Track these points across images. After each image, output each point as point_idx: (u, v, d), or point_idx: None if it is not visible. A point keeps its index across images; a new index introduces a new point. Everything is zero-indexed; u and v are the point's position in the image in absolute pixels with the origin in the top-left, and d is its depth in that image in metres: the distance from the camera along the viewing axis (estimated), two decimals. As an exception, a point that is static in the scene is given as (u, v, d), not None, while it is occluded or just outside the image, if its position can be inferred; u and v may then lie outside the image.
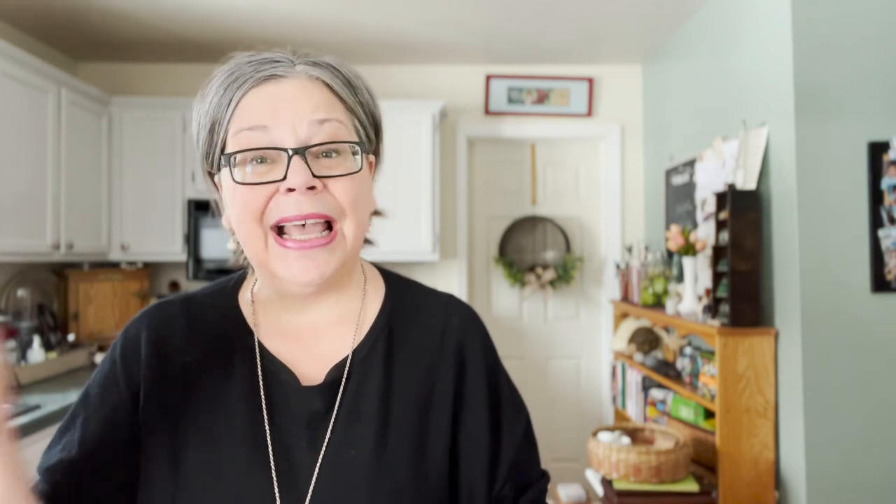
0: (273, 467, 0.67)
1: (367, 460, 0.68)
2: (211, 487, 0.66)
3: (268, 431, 0.68)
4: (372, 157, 0.76)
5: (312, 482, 0.66)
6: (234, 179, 0.66)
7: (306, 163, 0.64)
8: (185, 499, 0.66)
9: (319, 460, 0.67)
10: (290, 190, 0.64)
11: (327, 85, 0.69)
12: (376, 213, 0.80)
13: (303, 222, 0.65)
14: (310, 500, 0.66)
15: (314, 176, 0.64)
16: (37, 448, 2.08)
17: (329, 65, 0.70)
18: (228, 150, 0.67)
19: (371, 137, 0.74)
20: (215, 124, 0.68)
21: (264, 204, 0.65)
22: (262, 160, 0.65)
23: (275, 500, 0.65)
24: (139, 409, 0.70)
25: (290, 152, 0.64)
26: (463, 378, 0.75)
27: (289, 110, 0.65)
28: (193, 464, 0.67)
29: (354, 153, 0.68)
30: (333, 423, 0.69)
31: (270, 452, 0.67)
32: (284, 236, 0.66)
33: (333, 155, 0.67)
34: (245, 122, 0.66)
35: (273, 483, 0.66)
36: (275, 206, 0.65)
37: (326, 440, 0.68)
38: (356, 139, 0.70)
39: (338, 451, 0.68)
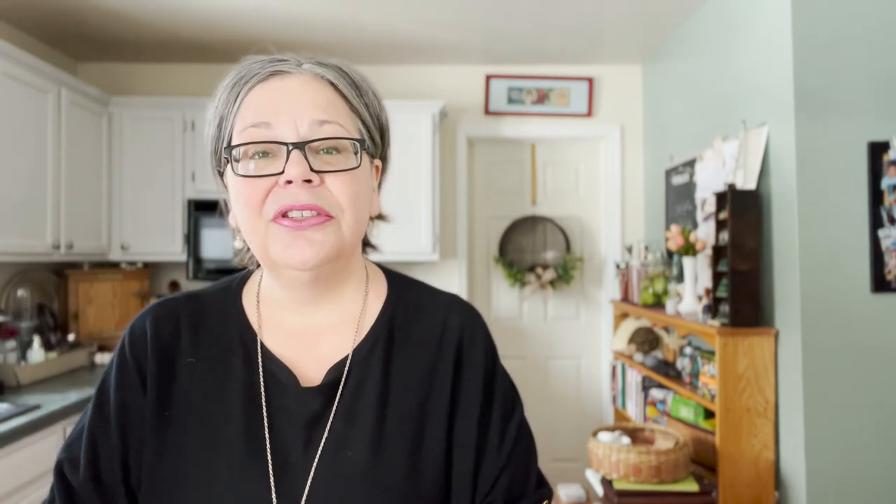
0: (270, 468, 0.67)
1: (362, 461, 0.68)
2: (207, 487, 0.66)
3: (266, 432, 0.68)
4: (378, 162, 0.77)
5: (308, 483, 0.67)
6: (235, 173, 0.67)
7: (305, 157, 0.65)
8: (181, 497, 0.67)
9: (316, 461, 0.68)
10: (289, 182, 0.65)
11: (332, 84, 0.70)
12: (381, 217, 0.80)
13: (300, 213, 0.65)
14: (305, 501, 0.66)
15: (312, 170, 0.65)
16: (37, 448, 2.08)
17: (335, 66, 0.71)
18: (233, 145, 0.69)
19: (376, 140, 0.74)
20: (222, 121, 0.70)
21: (264, 196, 0.66)
22: (264, 154, 0.67)
23: (271, 501, 0.66)
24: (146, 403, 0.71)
25: (290, 146, 0.65)
26: (460, 379, 0.74)
27: (291, 107, 0.67)
28: (191, 462, 0.68)
29: (355, 151, 0.69)
30: (331, 423, 0.69)
31: (269, 453, 0.67)
32: (282, 220, 0.67)
33: (334, 152, 0.68)
34: (249, 118, 0.67)
35: (270, 484, 0.66)
36: (273, 199, 0.66)
37: (323, 441, 0.68)
38: (358, 138, 0.70)
39: (334, 451, 0.68)
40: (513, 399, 0.78)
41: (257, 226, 0.67)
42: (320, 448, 0.68)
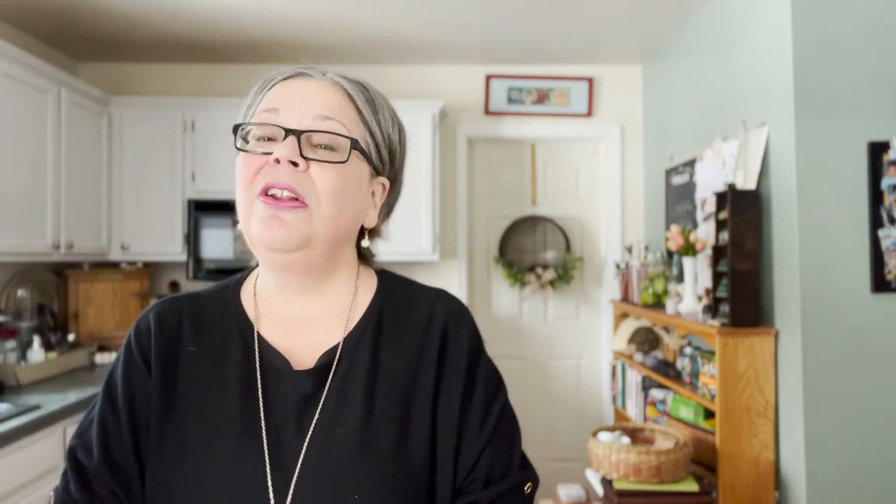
0: (265, 446, 0.71)
1: (352, 438, 0.72)
2: (206, 466, 0.71)
3: (262, 414, 0.73)
4: (384, 180, 0.81)
5: (300, 460, 0.71)
6: (237, 147, 0.74)
7: (299, 144, 0.71)
8: (182, 476, 0.71)
9: (307, 439, 0.72)
10: (277, 162, 0.70)
11: (347, 93, 0.76)
12: (374, 232, 0.85)
13: (280, 192, 0.70)
14: (297, 477, 0.70)
15: (301, 155, 0.71)
16: (37, 448, 2.08)
17: (358, 81, 0.79)
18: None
19: (383, 157, 0.80)
20: (247, 110, 0.78)
21: (254, 172, 0.72)
22: (269, 139, 0.73)
23: (266, 478, 0.70)
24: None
25: (288, 132, 0.71)
26: (444, 362, 0.78)
27: (302, 102, 0.73)
28: (191, 444, 0.72)
29: (349, 151, 0.74)
30: (322, 404, 0.74)
31: (263, 433, 0.72)
32: (264, 198, 0.72)
33: (330, 150, 0.73)
34: (265, 104, 0.75)
35: (265, 461, 0.71)
36: (261, 175, 0.72)
37: (315, 420, 0.73)
38: (352, 137, 0.74)
39: (325, 430, 0.72)
40: (496, 385, 0.81)
41: (246, 198, 0.72)
42: (312, 427, 0.72)
